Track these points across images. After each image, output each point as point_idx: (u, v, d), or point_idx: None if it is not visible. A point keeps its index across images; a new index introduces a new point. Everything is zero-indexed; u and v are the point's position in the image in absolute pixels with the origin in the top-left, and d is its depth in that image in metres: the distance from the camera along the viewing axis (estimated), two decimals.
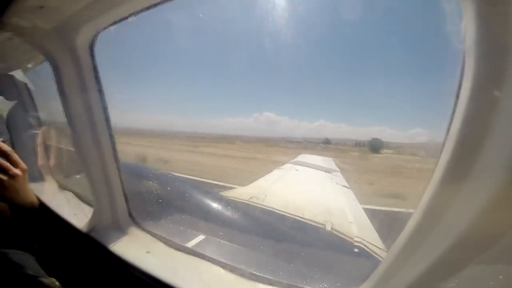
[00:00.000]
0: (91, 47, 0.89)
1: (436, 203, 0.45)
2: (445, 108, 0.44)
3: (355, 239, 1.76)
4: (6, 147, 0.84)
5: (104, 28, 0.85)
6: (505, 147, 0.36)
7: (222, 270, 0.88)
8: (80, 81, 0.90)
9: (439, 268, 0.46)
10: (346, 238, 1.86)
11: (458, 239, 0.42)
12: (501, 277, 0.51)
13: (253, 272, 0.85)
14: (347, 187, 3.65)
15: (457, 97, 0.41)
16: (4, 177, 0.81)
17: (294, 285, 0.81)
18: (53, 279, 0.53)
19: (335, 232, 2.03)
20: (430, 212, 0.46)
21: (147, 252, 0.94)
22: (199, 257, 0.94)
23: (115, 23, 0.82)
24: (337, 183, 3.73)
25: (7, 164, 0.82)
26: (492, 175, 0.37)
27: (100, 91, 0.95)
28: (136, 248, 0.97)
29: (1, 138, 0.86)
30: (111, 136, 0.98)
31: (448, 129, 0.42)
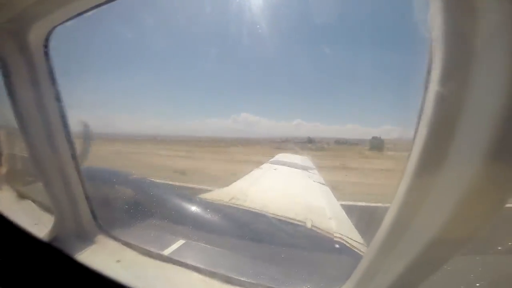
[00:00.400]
0: (46, 45, 0.83)
1: (411, 197, 0.45)
2: (414, 103, 0.45)
3: (335, 235, 1.80)
4: None
5: (59, 24, 0.79)
6: (474, 138, 0.36)
7: (199, 276, 0.85)
8: (33, 81, 0.84)
9: (420, 263, 0.46)
10: (327, 234, 1.90)
11: (436, 232, 0.42)
12: (480, 268, 0.53)
13: (232, 276, 0.83)
14: (323, 184, 3.75)
15: (426, 90, 0.41)
16: None
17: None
18: None
19: (316, 229, 2.06)
20: (405, 206, 0.46)
21: (117, 261, 0.89)
22: (174, 264, 0.90)
23: (71, 18, 0.77)
24: (314, 181, 3.82)
25: None
26: (463, 166, 0.38)
27: (56, 91, 0.89)
28: (104, 257, 0.91)
29: None
30: (69, 138, 0.91)
31: (418, 123, 0.42)
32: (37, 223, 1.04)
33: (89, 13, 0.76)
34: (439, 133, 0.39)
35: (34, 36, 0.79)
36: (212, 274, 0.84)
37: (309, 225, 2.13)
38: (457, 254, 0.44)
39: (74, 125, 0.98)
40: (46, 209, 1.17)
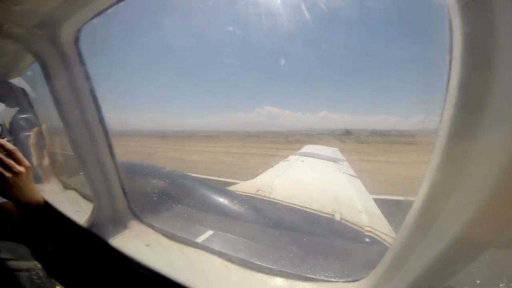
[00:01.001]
0: (76, 43, 0.88)
1: (437, 190, 0.42)
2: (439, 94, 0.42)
3: (366, 228, 1.71)
4: (10, 146, 0.89)
5: (86, 22, 0.82)
6: (503, 125, 0.33)
7: (223, 261, 0.86)
8: (70, 79, 0.90)
9: (448, 258, 0.43)
10: (356, 227, 1.82)
11: (464, 226, 0.38)
12: None
13: (257, 263, 0.83)
14: (354, 176, 3.59)
15: (449, 78, 0.38)
16: (9, 175, 0.84)
17: (302, 274, 0.78)
18: (36, 262, 0.52)
19: (345, 222, 1.98)
20: (431, 199, 0.43)
21: (147, 245, 0.95)
22: (200, 249, 0.94)
23: (96, 15, 0.80)
24: (344, 173, 3.68)
25: (11, 162, 0.86)
26: (492, 158, 0.34)
27: (91, 87, 0.94)
28: (135, 241, 0.97)
29: (6, 139, 0.89)
30: (105, 131, 0.97)
31: (442, 113, 0.40)
32: (79, 211, 1.15)
33: (114, 9, 0.80)
34: (465, 122, 0.37)
35: (65, 35, 0.84)
36: (237, 260, 0.85)
37: (337, 217, 2.06)
38: (487, 250, 0.40)
39: (110, 122, 1.06)
40: (87, 198, 1.29)
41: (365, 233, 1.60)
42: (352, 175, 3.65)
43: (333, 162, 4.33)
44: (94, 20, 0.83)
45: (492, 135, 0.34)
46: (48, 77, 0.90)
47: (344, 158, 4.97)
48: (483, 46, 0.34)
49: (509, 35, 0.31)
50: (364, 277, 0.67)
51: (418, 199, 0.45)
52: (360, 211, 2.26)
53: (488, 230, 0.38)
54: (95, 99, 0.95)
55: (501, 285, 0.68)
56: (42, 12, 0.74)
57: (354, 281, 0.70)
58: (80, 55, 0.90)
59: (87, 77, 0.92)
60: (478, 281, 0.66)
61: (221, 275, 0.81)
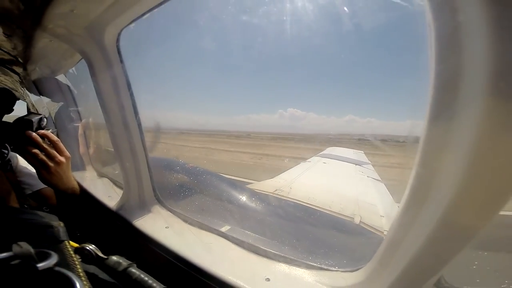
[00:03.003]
0: (117, 45, 0.98)
1: (421, 181, 0.47)
2: None
3: (385, 233, 1.66)
4: (54, 137, 0.97)
5: (126, 26, 0.93)
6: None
7: (234, 246, 0.92)
8: (112, 78, 1.01)
9: (438, 240, 0.45)
10: (376, 232, 1.77)
11: (446, 209, 0.41)
12: None
13: (264, 248, 0.87)
14: (379, 180, 3.45)
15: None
16: (51, 163, 0.93)
17: (304, 262, 0.82)
18: (61, 222, 0.61)
19: (364, 225, 1.94)
20: (417, 189, 0.48)
21: (166, 227, 1.04)
22: (213, 233, 1.00)
23: (134, 20, 0.90)
24: (368, 176, 3.55)
25: (54, 152, 0.94)
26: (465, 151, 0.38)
27: (129, 86, 1.05)
28: (157, 223, 1.07)
29: (50, 130, 0.99)
30: (140, 127, 1.08)
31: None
32: (110, 196, 1.29)
33: (152, 13, 0.89)
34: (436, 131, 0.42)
35: (108, 37, 0.94)
36: (248, 246, 0.91)
37: (357, 220, 2.02)
38: (471, 239, 0.42)
39: (145, 119, 1.17)
40: (118, 185, 1.42)
41: (384, 237, 1.55)
42: (376, 179, 3.51)
43: (357, 164, 4.19)
44: (134, 24, 0.94)
45: (459, 140, 0.38)
46: (93, 74, 1.01)
47: (369, 162, 4.78)
48: (451, 62, 0.37)
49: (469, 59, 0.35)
50: (362, 267, 0.70)
51: (406, 192, 0.49)
52: (381, 216, 2.18)
53: (466, 217, 0.41)
54: (132, 97, 1.05)
55: (502, 286, 0.65)
56: (89, 17, 0.85)
57: (352, 271, 0.73)
58: (120, 55, 1.00)
59: (126, 76, 1.03)
60: (477, 280, 0.64)
61: (231, 258, 0.87)
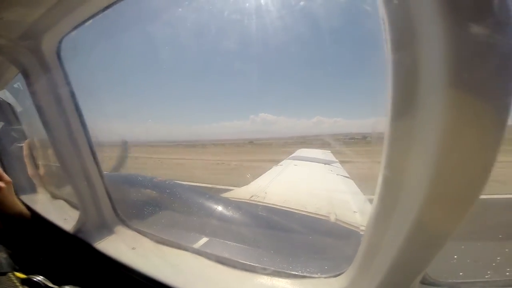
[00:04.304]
0: (58, 53, 0.90)
1: (391, 181, 0.45)
2: None
3: (361, 228, 1.72)
4: None
5: (68, 33, 0.85)
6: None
7: (209, 262, 0.87)
8: (53, 89, 0.93)
9: (416, 240, 0.44)
10: (352, 227, 1.82)
11: (419, 207, 0.40)
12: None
13: (241, 261, 0.83)
14: (347, 177, 3.62)
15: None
16: None
17: (285, 271, 0.79)
18: (4, 254, 0.54)
19: (340, 223, 1.98)
20: (388, 189, 0.46)
21: (133, 249, 0.96)
22: (186, 250, 0.94)
23: (78, 26, 0.83)
24: (337, 174, 3.70)
25: None
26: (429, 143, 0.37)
27: (74, 97, 0.97)
28: (121, 245, 0.99)
29: None
30: (89, 140, 1.00)
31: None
32: (66, 219, 1.16)
33: (98, 18, 0.80)
34: (400, 125, 0.41)
35: (47, 46, 0.85)
36: (225, 261, 0.85)
37: (332, 219, 2.06)
38: (449, 236, 0.41)
39: (97, 132, 1.06)
40: (75, 207, 1.28)
41: (361, 232, 1.60)
42: (345, 176, 3.67)
43: (326, 164, 4.36)
44: (79, 30, 0.84)
45: (423, 135, 0.38)
46: (30, 87, 0.92)
47: (337, 160, 5.02)
48: (408, 54, 0.36)
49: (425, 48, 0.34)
50: (344, 272, 0.68)
51: (376, 193, 0.48)
52: (354, 211, 2.26)
53: (441, 213, 0.40)
54: (78, 110, 0.96)
55: (486, 277, 0.69)
56: (24, 24, 0.76)
57: (335, 276, 0.71)
58: (62, 65, 0.91)
59: (70, 87, 0.94)
60: (461, 273, 0.67)
61: (207, 276, 0.81)
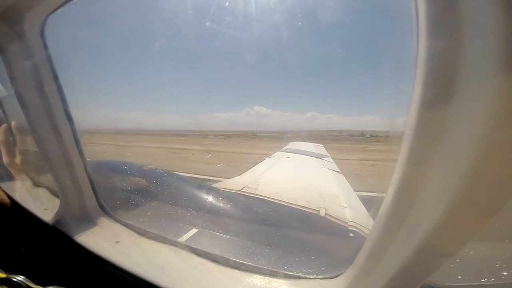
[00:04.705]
0: (42, 34, 0.83)
1: (407, 184, 0.41)
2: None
3: (349, 223, 1.73)
4: None
5: (53, 12, 0.78)
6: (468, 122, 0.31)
7: (198, 259, 0.84)
8: (34, 71, 0.85)
9: (426, 249, 0.40)
10: (340, 222, 1.83)
11: (438, 217, 0.36)
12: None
13: (234, 260, 0.81)
14: (338, 172, 3.65)
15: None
16: None
17: (280, 271, 0.77)
18: None
19: (329, 217, 1.99)
20: (402, 194, 0.42)
21: (116, 242, 0.91)
22: (174, 246, 0.91)
23: (63, 5, 0.76)
24: (328, 169, 3.72)
25: None
26: (459, 152, 0.32)
27: (58, 82, 0.90)
28: (104, 238, 0.94)
29: None
30: (72, 126, 0.93)
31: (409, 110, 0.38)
32: (47, 208, 1.10)
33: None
34: (427, 122, 0.36)
35: (30, 23, 0.78)
36: (210, 257, 0.82)
37: (322, 213, 2.06)
38: (463, 247, 0.37)
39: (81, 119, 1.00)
40: (57, 195, 1.20)
41: (349, 227, 1.61)
42: (336, 171, 3.70)
43: (318, 158, 4.38)
44: (66, 9, 0.76)
45: (455, 134, 0.33)
46: (10, 70, 0.84)
47: (328, 154, 5.05)
48: (446, 46, 0.31)
49: (473, 33, 0.29)
50: (341, 274, 0.66)
51: (388, 195, 0.44)
52: (344, 206, 2.29)
53: (459, 227, 0.36)
54: (62, 95, 0.90)
55: (482, 280, 0.69)
56: (5, 2, 0.69)
57: (332, 278, 0.69)
58: (46, 46, 0.84)
59: (54, 71, 0.88)
60: (459, 277, 0.67)
61: (196, 274, 0.78)
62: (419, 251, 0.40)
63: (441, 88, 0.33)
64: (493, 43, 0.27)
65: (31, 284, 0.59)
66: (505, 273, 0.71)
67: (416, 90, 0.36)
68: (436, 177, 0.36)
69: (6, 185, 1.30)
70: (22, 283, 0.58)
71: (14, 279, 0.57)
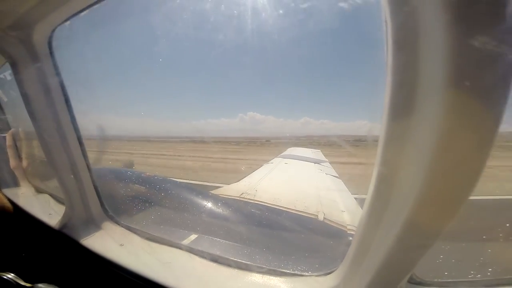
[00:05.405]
0: (49, 45, 0.87)
1: (383, 182, 0.46)
2: None
3: (348, 227, 1.75)
4: None
5: (60, 24, 0.82)
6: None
7: (198, 259, 0.87)
8: (42, 81, 0.90)
9: (406, 240, 0.45)
10: (339, 227, 1.85)
11: (410, 208, 0.41)
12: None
13: (232, 259, 0.84)
14: (336, 176, 3.68)
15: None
16: None
17: (277, 270, 0.80)
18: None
19: (328, 222, 2.01)
20: (380, 190, 0.47)
21: (121, 245, 0.94)
22: (175, 247, 0.93)
23: (70, 18, 0.80)
24: (326, 174, 3.75)
25: None
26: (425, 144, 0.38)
27: (64, 90, 0.94)
28: (109, 241, 0.97)
29: None
30: (78, 133, 0.97)
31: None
32: (51, 214, 1.12)
33: (90, 11, 0.77)
34: (395, 127, 0.42)
35: (38, 36, 0.82)
36: (210, 257, 0.85)
37: (321, 217, 2.08)
38: (437, 237, 0.42)
39: (86, 125, 1.03)
40: (61, 201, 1.24)
41: (348, 231, 1.63)
42: (334, 176, 3.73)
43: (316, 163, 4.41)
44: (73, 21, 0.81)
45: (417, 139, 0.39)
46: (19, 78, 0.88)
47: (326, 160, 5.09)
48: (409, 55, 0.37)
49: (427, 56, 0.35)
50: (335, 270, 0.70)
51: (368, 194, 0.49)
52: (342, 211, 2.31)
53: (429, 219, 0.41)
54: (68, 102, 0.94)
55: (469, 276, 0.72)
56: (15, 14, 0.73)
57: (326, 274, 0.72)
58: (53, 56, 0.88)
59: (60, 79, 0.92)
60: (446, 273, 0.70)
61: (198, 274, 0.81)
62: (399, 242, 0.45)
63: (404, 100, 0.39)
64: (442, 63, 0.33)
65: (20, 282, 0.60)
66: (490, 269, 0.74)
67: (386, 101, 0.42)
68: (405, 176, 0.42)
69: (9, 191, 1.33)
70: (12, 281, 0.59)
71: (4, 277, 0.58)
